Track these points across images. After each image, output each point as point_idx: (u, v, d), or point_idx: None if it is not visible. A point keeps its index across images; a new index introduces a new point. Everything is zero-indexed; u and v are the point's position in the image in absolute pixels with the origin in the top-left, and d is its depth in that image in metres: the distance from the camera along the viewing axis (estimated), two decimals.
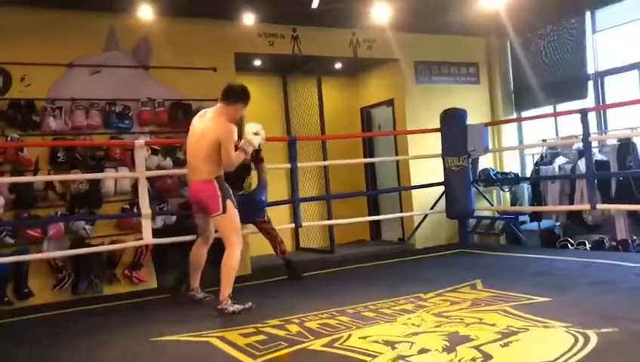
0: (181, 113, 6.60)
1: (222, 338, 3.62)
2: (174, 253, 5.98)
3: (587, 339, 3.02)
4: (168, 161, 6.39)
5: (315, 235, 8.27)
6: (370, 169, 9.15)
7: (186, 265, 5.07)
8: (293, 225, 6.83)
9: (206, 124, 4.52)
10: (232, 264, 4.37)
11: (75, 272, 5.94)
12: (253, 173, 5.57)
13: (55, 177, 5.88)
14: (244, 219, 5.28)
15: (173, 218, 6.37)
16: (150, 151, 6.22)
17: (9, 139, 5.77)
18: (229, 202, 4.46)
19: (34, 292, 5.74)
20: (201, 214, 4.73)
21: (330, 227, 7.84)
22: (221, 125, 4.41)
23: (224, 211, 4.42)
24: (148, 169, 5.98)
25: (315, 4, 6.12)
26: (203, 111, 4.72)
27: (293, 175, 6.50)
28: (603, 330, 3.15)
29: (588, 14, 7.86)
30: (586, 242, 6.92)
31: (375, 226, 9.10)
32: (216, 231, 4.79)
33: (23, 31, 5.97)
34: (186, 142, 4.78)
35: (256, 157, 5.36)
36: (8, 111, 5.86)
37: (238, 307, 4.30)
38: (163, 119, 6.54)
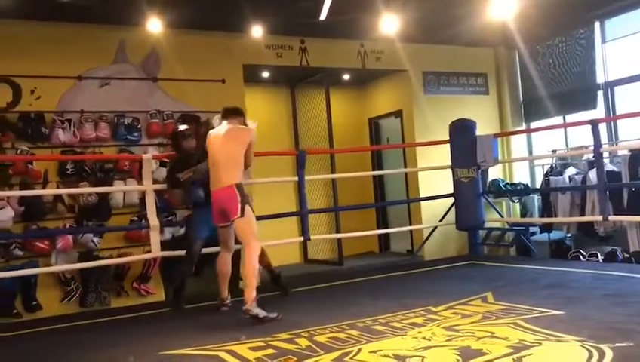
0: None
1: (231, 352, 3.59)
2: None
3: (602, 354, 2.97)
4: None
5: (323, 247, 8.23)
6: (378, 180, 9.11)
7: (182, 276, 5.25)
8: (301, 238, 6.75)
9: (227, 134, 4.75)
10: (252, 267, 4.53)
11: (84, 284, 5.94)
12: None
13: (64, 191, 5.89)
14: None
15: (182, 230, 6.34)
16: (158, 163, 6.22)
17: (19, 151, 5.80)
18: (247, 207, 4.61)
19: (42, 304, 5.74)
20: (222, 223, 4.80)
21: (339, 239, 7.80)
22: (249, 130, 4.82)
23: (242, 215, 4.56)
24: (156, 180, 5.99)
25: (323, 16, 6.12)
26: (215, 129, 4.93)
27: (301, 188, 6.47)
28: (618, 344, 3.09)
29: (597, 24, 7.83)
30: (598, 254, 6.84)
31: (384, 238, 9.04)
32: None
33: (34, 44, 6.00)
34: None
35: None
36: (18, 123, 5.90)
37: (262, 312, 4.35)
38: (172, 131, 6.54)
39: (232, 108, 4.92)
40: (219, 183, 4.68)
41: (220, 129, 4.82)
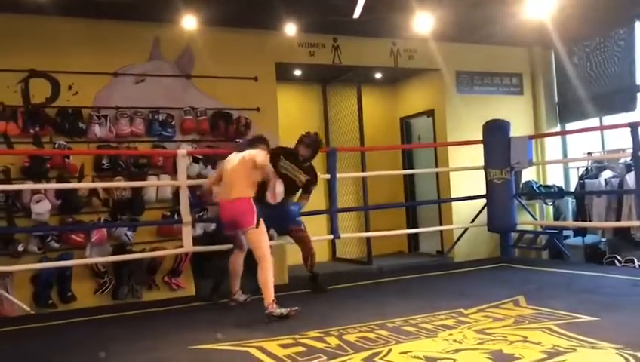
0: (222, 122, 6.67)
1: (261, 349, 3.61)
2: (213, 260, 6.02)
3: None
4: (209, 170, 6.44)
5: (352, 246, 8.21)
6: (409, 180, 9.06)
7: (221, 272, 5.23)
8: (330, 236, 6.73)
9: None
10: (268, 277, 4.56)
11: (117, 277, 6.04)
12: None
13: (99, 184, 6.02)
14: (278, 230, 5.56)
15: (212, 225, 6.40)
16: (191, 160, 6.29)
17: (56, 146, 5.93)
18: (261, 220, 4.73)
19: (77, 296, 5.86)
20: (231, 232, 4.94)
21: (368, 238, 7.77)
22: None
23: (257, 226, 4.66)
24: (189, 177, 6.05)
25: (356, 14, 6.09)
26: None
27: (331, 186, 6.46)
28: None
29: (637, 24, 7.63)
30: (635, 259, 6.67)
31: (413, 238, 8.98)
32: None
33: (72, 41, 6.13)
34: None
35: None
36: (56, 118, 6.03)
37: (285, 310, 4.39)
38: (205, 128, 6.62)
39: (251, 139, 5.22)
40: (229, 195, 4.77)
41: (239, 154, 4.96)
